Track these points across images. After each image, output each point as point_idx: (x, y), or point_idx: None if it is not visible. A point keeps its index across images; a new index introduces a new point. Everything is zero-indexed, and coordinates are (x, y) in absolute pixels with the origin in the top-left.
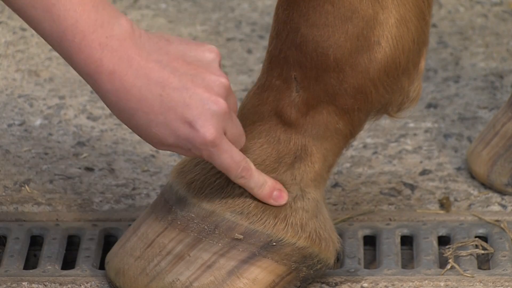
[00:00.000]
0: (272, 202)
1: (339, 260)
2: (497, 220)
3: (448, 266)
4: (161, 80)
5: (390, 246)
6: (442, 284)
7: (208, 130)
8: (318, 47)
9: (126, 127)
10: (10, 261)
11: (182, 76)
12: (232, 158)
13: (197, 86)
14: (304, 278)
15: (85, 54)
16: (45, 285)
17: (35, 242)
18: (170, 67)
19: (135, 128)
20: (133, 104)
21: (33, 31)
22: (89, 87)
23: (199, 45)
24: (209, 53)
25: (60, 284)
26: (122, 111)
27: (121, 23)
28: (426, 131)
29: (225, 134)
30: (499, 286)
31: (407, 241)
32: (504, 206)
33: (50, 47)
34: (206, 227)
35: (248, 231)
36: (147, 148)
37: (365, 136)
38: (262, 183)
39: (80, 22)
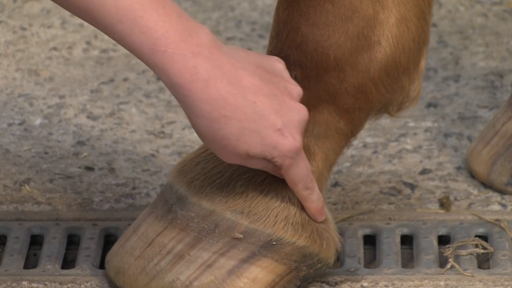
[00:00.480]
0: (320, 218)
1: (339, 259)
2: (497, 220)
3: (448, 266)
4: (253, 87)
5: (390, 245)
6: (442, 283)
7: (296, 137)
8: (318, 46)
9: (127, 126)
10: (10, 260)
11: (270, 84)
12: (307, 168)
13: (283, 93)
14: (304, 278)
15: (179, 63)
16: (45, 285)
17: (35, 241)
18: (257, 74)
19: (224, 139)
20: (227, 112)
21: (33, 31)
22: (89, 86)
23: (268, 56)
24: (279, 63)
25: (60, 284)
26: (214, 120)
27: (206, 32)
28: (426, 130)
29: None
30: (499, 286)
31: (407, 240)
32: (504, 206)
33: (50, 46)
34: (206, 226)
35: (248, 230)
36: (147, 148)
37: (365, 135)
38: (319, 198)
39: (170, 32)
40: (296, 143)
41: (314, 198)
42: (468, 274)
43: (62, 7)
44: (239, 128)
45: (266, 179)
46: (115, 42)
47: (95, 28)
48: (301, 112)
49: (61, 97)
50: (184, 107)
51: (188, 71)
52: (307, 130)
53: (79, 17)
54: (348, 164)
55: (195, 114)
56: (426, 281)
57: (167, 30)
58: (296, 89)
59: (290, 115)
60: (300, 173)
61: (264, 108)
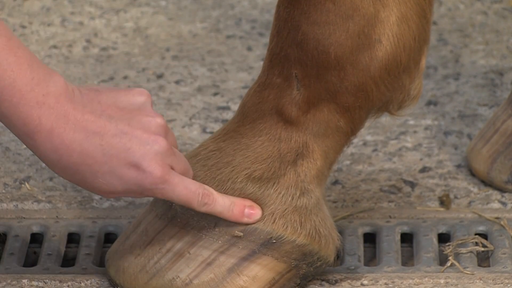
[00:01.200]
0: (246, 220)
1: (339, 257)
2: (497, 218)
3: (448, 264)
4: (98, 130)
5: (390, 243)
6: (442, 281)
7: (154, 168)
8: (319, 45)
9: None
10: (10, 258)
11: (118, 122)
12: (188, 189)
13: (134, 129)
14: (304, 276)
15: (23, 113)
16: (45, 283)
17: (35, 240)
18: (105, 115)
19: (81, 182)
20: (75, 159)
21: (33, 29)
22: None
23: (128, 90)
24: (139, 96)
25: (60, 282)
26: (65, 168)
27: (56, 80)
28: (426, 128)
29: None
30: (499, 283)
31: (407, 238)
32: (504, 204)
33: (50, 44)
34: (206, 224)
35: (248, 228)
36: None
37: (365, 133)
38: (229, 205)
39: (17, 81)
40: (155, 173)
41: (219, 210)
42: (468, 272)
43: None
44: (92, 172)
45: (264, 175)
46: (115, 40)
47: (95, 26)
48: (156, 143)
49: None
50: (35, 154)
51: (33, 122)
52: (307, 128)
53: None
54: (348, 162)
55: (46, 162)
56: (426, 279)
57: (14, 79)
58: (154, 121)
59: (143, 149)
60: (182, 195)
61: (112, 148)
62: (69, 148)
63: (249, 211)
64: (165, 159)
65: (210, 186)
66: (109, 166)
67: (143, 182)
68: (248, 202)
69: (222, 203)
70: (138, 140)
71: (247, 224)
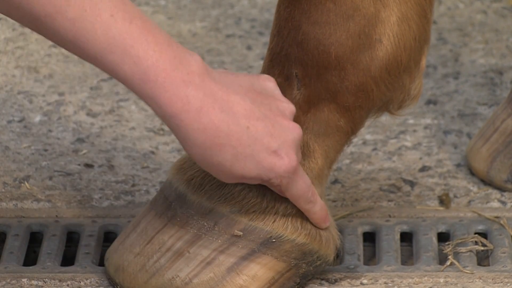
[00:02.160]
0: (323, 226)
1: (339, 256)
2: (496, 217)
3: (448, 263)
4: (245, 112)
5: (390, 242)
6: (441, 280)
7: (292, 157)
8: (319, 44)
9: (126, 123)
10: (9, 257)
11: (261, 106)
12: (306, 183)
13: (275, 114)
14: (303, 275)
15: (170, 92)
16: (45, 282)
17: (35, 239)
18: (248, 98)
19: (219, 165)
20: (221, 139)
21: None
22: (88, 83)
23: (259, 76)
24: (269, 82)
25: (60, 281)
26: (207, 149)
27: (196, 59)
28: (426, 127)
29: None
30: (498, 283)
31: (406, 237)
32: (503, 203)
33: (49, 43)
34: (205, 223)
35: (248, 227)
36: (147, 145)
37: (365, 132)
38: (323, 206)
39: (161, 60)
40: (292, 163)
41: (316, 210)
42: (468, 271)
43: (48, 39)
44: (234, 154)
45: None
46: None
47: None
48: (295, 131)
49: (61, 94)
50: (177, 136)
51: (180, 100)
52: (307, 128)
53: (66, 49)
54: (347, 161)
55: (189, 143)
56: (426, 278)
57: (157, 59)
58: (289, 107)
59: (284, 136)
60: (299, 190)
61: (257, 132)
62: (217, 128)
63: (328, 218)
64: (298, 148)
65: (209, 188)
66: (252, 150)
67: (279, 169)
68: (325, 207)
69: (320, 203)
70: (279, 126)
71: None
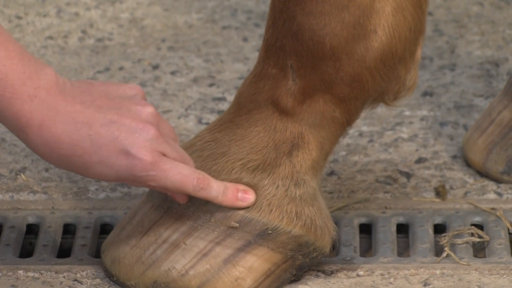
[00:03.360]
0: (239, 204)
1: (335, 248)
2: (493, 208)
3: (444, 254)
4: (87, 120)
5: (386, 234)
6: (438, 272)
7: (144, 155)
8: (314, 35)
9: None
10: (5, 249)
11: (107, 112)
12: (182, 174)
13: (123, 117)
14: (299, 266)
15: (16, 108)
16: (41, 273)
17: (31, 231)
18: (94, 106)
19: (76, 171)
20: (65, 151)
21: (29, 20)
22: (84, 75)
23: (121, 84)
24: (130, 90)
25: (56, 273)
26: (57, 160)
27: (47, 73)
28: (422, 119)
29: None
30: (495, 274)
31: (402, 229)
32: (500, 194)
33: (45, 35)
34: (202, 215)
35: (244, 219)
36: None
37: (361, 124)
38: (223, 189)
39: (10, 75)
40: (145, 159)
41: (214, 195)
42: (464, 263)
43: None
44: (83, 162)
45: (260, 165)
46: (111, 30)
47: (91, 17)
48: (145, 131)
49: None
50: (28, 147)
51: (24, 116)
52: (302, 119)
53: None
54: (344, 153)
55: (40, 155)
56: (422, 269)
57: (6, 74)
58: (144, 110)
59: (132, 137)
60: (176, 180)
61: (100, 138)
62: (59, 140)
63: (243, 195)
64: (156, 146)
65: None
66: (99, 156)
67: (133, 170)
68: (241, 186)
69: (216, 188)
70: (126, 128)
71: (240, 208)
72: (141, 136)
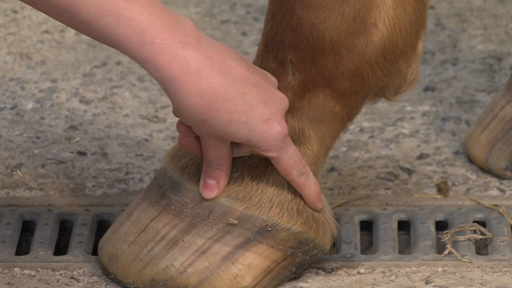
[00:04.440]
0: (317, 205)
1: (335, 245)
2: (495, 205)
3: (446, 252)
4: (242, 78)
5: (387, 231)
6: (439, 269)
7: (283, 125)
8: (314, 29)
9: (120, 110)
10: (1, 246)
11: (255, 73)
12: (296, 154)
13: (267, 83)
14: (299, 264)
15: (168, 54)
16: (37, 271)
17: (27, 228)
18: (243, 64)
19: (211, 128)
20: (218, 104)
21: (25, 14)
22: (81, 70)
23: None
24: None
25: (53, 270)
26: (203, 113)
27: (190, 23)
28: (424, 114)
29: None
30: (497, 272)
31: (404, 226)
32: (502, 191)
33: (42, 29)
34: (200, 212)
35: (243, 216)
36: (141, 132)
37: (362, 119)
38: (316, 183)
39: (157, 22)
40: (283, 130)
41: (310, 184)
42: (466, 260)
43: (40, 10)
44: (229, 119)
45: (261, 163)
46: None
47: None
48: (284, 101)
49: (53, 81)
50: (174, 100)
51: (179, 62)
52: (302, 114)
53: (58, 19)
54: (344, 148)
55: (185, 107)
56: (424, 267)
57: (153, 21)
58: (275, 80)
59: (276, 105)
60: (291, 159)
61: (253, 99)
62: (216, 93)
63: (321, 197)
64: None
65: None
66: (247, 117)
67: (271, 137)
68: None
69: (312, 179)
70: (272, 94)
71: (314, 209)
72: (282, 106)
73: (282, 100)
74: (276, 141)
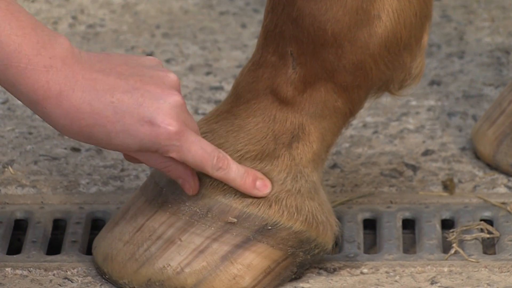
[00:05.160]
0: (256, 192)
1: (338, 244)
2: (503, 203)
3: (452, 251)
4: (108, 87)
5: (391, 230)
6: (445, 269)
7: (169, 123)
8: (315, 21)
9: None
10: None
11: (129, 78)
12: (203, 149)
13: (146, 84)
14: (300, 264)
15: (32, 79)
16: (30, 271)
17: (19, 226)
18: (114, 73)
19: (97, 143)
20: (87, 121)
21: None
22: None
23: (139, 55)
24: (149, 61)
25: (45, 270)
26: (78, 132)
27: (61, 42)
28: (429, 109)
29: None
30: (505, 272)
31: (409, 224)
32: (510, 188)
33: None
34: (198, 210)
35: (242, 214)
36: None
37: (365, 114)
38: (243, 173)
39: (23, 45)
40: (170, 128)
41: (232, 176)
42: (473, 260)
43: None
44: (106, 132)
45: (257, 158)
46: (103, 16)
47: (82, 2)
48: (170, 99)
49: None
50: (47, 122)
51: (41, 87)
52: (303, 109)
53: None
54: (347, 144)
55: (59, 128)
56: (429, 267)
57: (20, 44)
58: (167, 76)
59: (156, 104)
60: (197, 155)
61: (123, 106)
62: (79, 110)
63: (261, 184)
64: (180, 115)
65: (202, 172)
66: (122, 124)
67: (158, 138)
68: (260, 175)
69: (236, 170)
70: (151, 95)
71: (256, 198)
72: (166, 103)
73: (166, 98)
74: (167, 141)
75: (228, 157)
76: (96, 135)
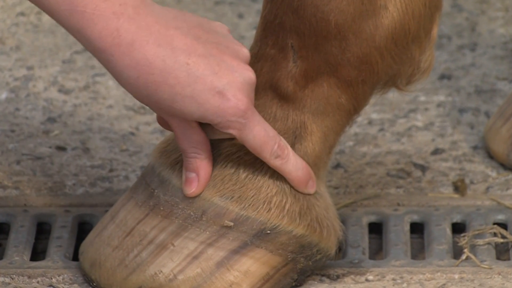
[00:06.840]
0: (305, 190)
1: (341, 250)
2: None
3: (463, 257)
4: (186, 48)
5: (398, 234)
6: (456, 276)
7: (240, 99)
8: (317, 11)
9: (103, 100)
10: None
11: (206, 43)
12: (266, 132)
13: (223, 53)
14: (302, 270)
15: (99, 25)
16: (12, 278)
17: (1, 230)
18: (192, 34)
19: (156, 103)
20: (156, 77)
21: None
22: (60, 56)
23: (210, 20)
24: (220, 28)
25: (29, 277)
26: (142, 87)
27: None
28: (439, 105)
29: None
30: None
31: (417, 228)
32: None
33: (16, 11)
34: (192, 213)
35: (239, 217)
36: (126, 125)
37: (371, 111)
38: (301, 167)
39: None
40: (240, 105)
41: (289, 168)
42: (486, 266)
43: None
44: (172, 93)
45: (258, 159)
46: None
47: None
48: (245, 73)
49: (30, 68)
50: (110, 72)
51: (110, 34)
52: (304, 106)
53: None
54: (351, 143)
55: (122, 81)
56: (439, 274)
57: None
58: (242, 51)
59: (231, 76)
60: (258, 138)
61: (198, 70)
62: (151, 64)
63: (312, 184)
64: (250, 93)
65: None
66: (192, 90)
67: (224, 112)
68: (312, 174)
69: (294, 162)
70: (227, 66)
71: (304, 194)
72: (241, 77)
73: (241, 72)
74: (233, 117)
75: (289, 147)
76: (160, 94)
